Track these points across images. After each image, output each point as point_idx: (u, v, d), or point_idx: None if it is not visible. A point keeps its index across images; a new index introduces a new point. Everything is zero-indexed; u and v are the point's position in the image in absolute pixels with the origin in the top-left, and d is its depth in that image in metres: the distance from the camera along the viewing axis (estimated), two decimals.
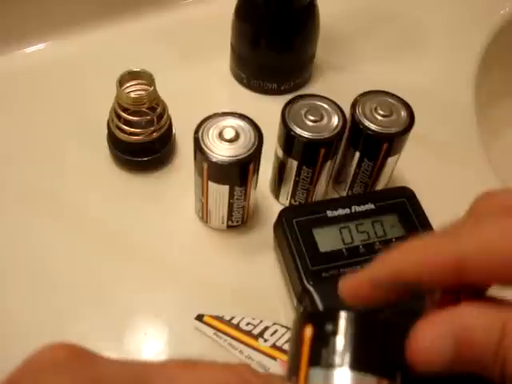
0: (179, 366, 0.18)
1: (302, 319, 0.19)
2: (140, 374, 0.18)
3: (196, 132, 0.33)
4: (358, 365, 0.17)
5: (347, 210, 0.35)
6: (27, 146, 0.42)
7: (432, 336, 0.17)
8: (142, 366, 0.18)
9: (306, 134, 0.34)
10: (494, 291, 0.19)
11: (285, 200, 0.40)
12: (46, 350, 0.18)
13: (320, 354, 0.18)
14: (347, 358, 0.18)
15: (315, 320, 0.19)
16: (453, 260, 0.18)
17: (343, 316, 0.18)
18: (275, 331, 0.34)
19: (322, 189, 0.39)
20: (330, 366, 0.18)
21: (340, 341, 0.18)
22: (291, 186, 0.38)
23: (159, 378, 0.18)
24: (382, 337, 0.18)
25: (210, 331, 0.34)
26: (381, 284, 0.19)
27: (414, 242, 0.19)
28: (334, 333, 0.18)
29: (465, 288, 0.18)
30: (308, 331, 0.18)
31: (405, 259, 0.19)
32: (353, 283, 0.20)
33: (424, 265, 0.18)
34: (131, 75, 0.38)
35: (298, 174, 0.37)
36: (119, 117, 0.38)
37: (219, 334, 0.34)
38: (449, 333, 0.17)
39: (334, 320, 0.18)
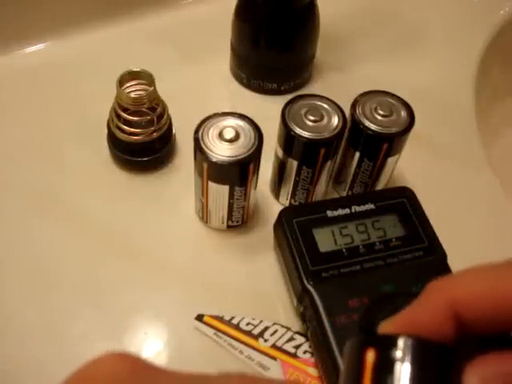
0: (247, 381, 0.17)
1: (361, 342, 0.18)
2: None
3: (196, 132, 0.33)
4: None
5: (347, 210, 0.35)
6: (27, 146, 0.42)
7: (479, 380, 0.16)
8: (207, 379, 0.17)
9: (305, 133, 0.34)
10: None
11: (285, 200, 0.40)
12: (105, 361, 0.16)
13: (384, 381, 0.17)
14: None
15: (378, 344, 0.18)
16: None
17: (409, 342, 0.17)
18: (275, 331, 0.34)
19: (322, 189, 0.39)
20: None
21: (406, 368, 0.17)
22: (291, 186, 0.38)
23: None
24: (449, 366, 0.17)
25: (210, 331, 0.34)
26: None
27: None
28: (399, 359, 0.17)
29: None
30: (370, 356, 0.17)
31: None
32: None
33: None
34: (131, 75, 0.38)
35: (298, 173, 0.37)
36: (119, 117, 0.38)
37: (219, 333, 0.34)
38: (499, 378, 0.16)
39: (399, 345, 0.17)
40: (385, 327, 0.20)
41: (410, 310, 0.19)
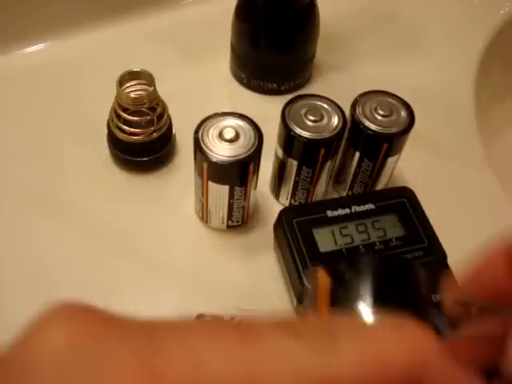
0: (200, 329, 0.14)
1: (315, 267, 0.19)
2: (153, 331, 0.14)
3: (196, 132, 0.33)
4: (379, 302, 0.18)
5: (347, 210, 0.35)
6: (27, 146, 0.42)
7: None
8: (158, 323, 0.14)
9: (305, 133, 0.34)
10: None
11: (285, 200, 0.40)
12: (47, 335, 0.14)
13: (340, 295, 0.18)
14: (368, 296, 0.18)
15: (330, 265, 0.19)
16: None
17: (360, 259, 0.19)
18: None
19: (322, 189, 0.39)
20: (350, 303, 0.18)
21: (358, 280, 0.18)
22: (291, 186, 0.38)
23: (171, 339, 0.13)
24: (403, 275, 0.19)
25: None
26: None
27: None
28: (353, 274, 0.18)
29: None
30: (323, 277, 0.19)
31: None
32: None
33: None
34: (131, 75, 0.38)
35: (298, 174, 0.37)
36: (119, 117, 0.38)
37: None
38: None
39: (350, 263, 0.19)
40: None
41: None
